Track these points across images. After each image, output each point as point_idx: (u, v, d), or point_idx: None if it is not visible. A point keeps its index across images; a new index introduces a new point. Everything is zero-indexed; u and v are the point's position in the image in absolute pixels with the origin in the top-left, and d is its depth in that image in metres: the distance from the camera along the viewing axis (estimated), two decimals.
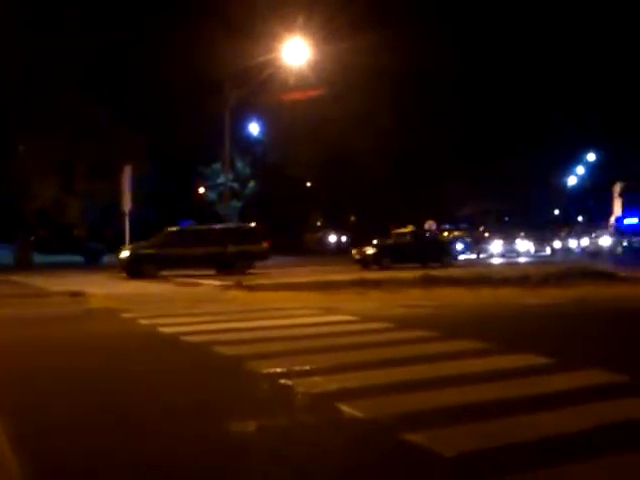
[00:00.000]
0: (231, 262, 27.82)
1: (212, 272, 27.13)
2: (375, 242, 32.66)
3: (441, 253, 32.40)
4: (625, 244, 38.41)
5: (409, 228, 35.04)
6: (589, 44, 52.71)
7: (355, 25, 37.77)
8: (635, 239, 38.57)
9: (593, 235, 44.28)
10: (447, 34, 46.03)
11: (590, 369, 7.32)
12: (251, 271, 27.67)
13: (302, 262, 33.58)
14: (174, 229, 28.80)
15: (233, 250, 28.02)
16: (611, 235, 40.77)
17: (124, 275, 26.61)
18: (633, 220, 47.78)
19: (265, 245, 29.50)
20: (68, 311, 14.29)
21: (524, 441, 4.97)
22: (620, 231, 40.76)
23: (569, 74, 54.28)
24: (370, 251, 31.50)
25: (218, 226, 31.37)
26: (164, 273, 26.30)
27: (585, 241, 45.25)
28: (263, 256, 29.49)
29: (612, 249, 38.89)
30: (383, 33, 39.83)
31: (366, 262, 30.87)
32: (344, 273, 24.04)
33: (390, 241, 33.69)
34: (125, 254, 27.33)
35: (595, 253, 40.20)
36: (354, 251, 32.99)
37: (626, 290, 16.59)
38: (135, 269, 26.48)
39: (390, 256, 31.19)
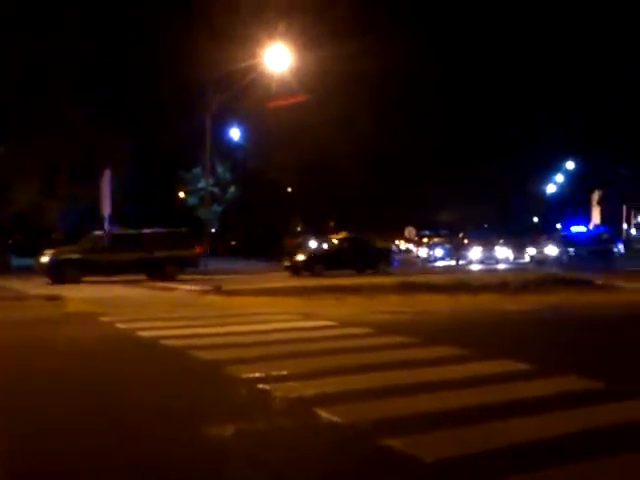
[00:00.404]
0: (161, 268, 26.91)
1: (143, 278, 26.65)
2: (311, 248, 31.83)
3: (377, 260, 31.22)
4: (572, 252, 38.09)
5: (343, 234, 34.12)
6: (571, 53, 53.25)
7: (336, 31, 37.91)
8: (582, 247, 38.15)
9: (541, 243, 44.20)
10: (428, 38, 46.42)
11: (567, 375, 7.37)
12: (183, 277, 26.92)
13: (279, 268, 33.43)
14: (100, 233, 26.49)
15: (162, 255, 27.04)
16: (557, 244, 40.30)
17: (48, 281, 24.99)
18: (580, 228, 47.73)
19: (196, 250, 28.66)
20: (45, 315, 14.18)
21: (502, 447, 4.99)
22: (566, 240, 40.43)
23: (551, 81, 54.78)
24: (301, 257, 30.55)
25: (147, 231, 29.59)
26: (91, 279, 25.31)
27: (532, 250, 45.25)
28: (193, 262, 28.48)
29: (558, 258, 38.58)
30: (364, 38, 39.97)
31: (296, 269, 29.92)
32: (273, 281, 23.80)
33: (325, 247, 32.82)
34: (45, 259, 26.08)
35: (541, 261, 40.27)
36: (286, 258, 31.79)
37: (602, 297, 16.72)
38: (57, 275, 25.00)
39: (323, 262, 29.97)
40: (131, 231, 29.69)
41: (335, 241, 32.93)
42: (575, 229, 46.81)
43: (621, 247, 41.01)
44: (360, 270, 29.56)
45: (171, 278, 25.81)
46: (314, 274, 28.42)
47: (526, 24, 52.52)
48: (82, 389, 7.14)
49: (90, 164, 33.52)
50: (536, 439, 5.16)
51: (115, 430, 5.63)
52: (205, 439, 5.36)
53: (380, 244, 34.10)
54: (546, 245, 41.63)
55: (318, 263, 29.81)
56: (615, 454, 4.85)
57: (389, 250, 33.88)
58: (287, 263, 31.01)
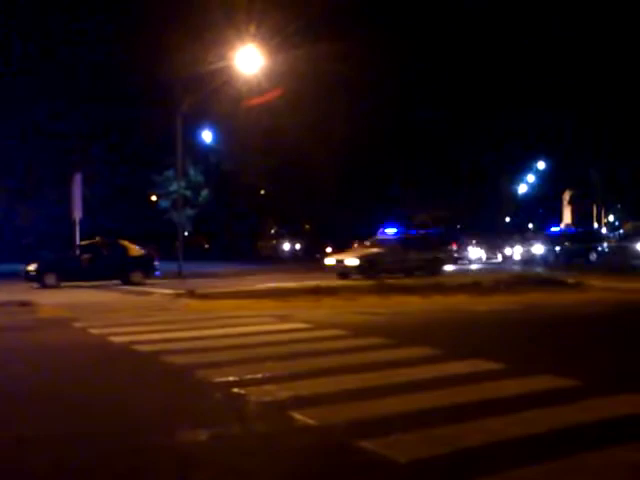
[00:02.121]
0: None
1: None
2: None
3: (128, 269, 26.62)
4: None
5: (97, 239, 28.58)
6: (542, 52, 53.62)
7: (308, 33, 37.96)
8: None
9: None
10: (402, 39, 46.41)
11: (539, 374, 7.44)
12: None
13: (254, 270, 33.38)
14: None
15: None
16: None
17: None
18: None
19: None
20: (17, 321, 14.02)
21: (475, 446, 5.03)
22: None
23: (522, 81, 55.14)
24: (32, 267, 26.01)
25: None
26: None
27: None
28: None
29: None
30: (337, 40, 40.11)
31: (30, 278, 25.77)
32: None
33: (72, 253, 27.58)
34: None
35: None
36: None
37: (575, 296, 16.90)
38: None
39: (57, 272, 25.69)
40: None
41: (83, 247, 27.60)
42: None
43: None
44: (106, 279, 26.27)
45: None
46: (45, 286, 24.79)
47: (498, 24, 52.86)
48: (50, 396, 7.07)
49: (60, 168, 33.27)
50: (508, 438, 5.21)
51: (83, 437, 5.58)
52: (177, 445, 5.34)
53: (135, 252, 28.95)
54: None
55: (49, 272, 25.64)
56: (588, 452, 4.90)
57: (149, 258, 27.67)
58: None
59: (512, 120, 57.10)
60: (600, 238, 43.63)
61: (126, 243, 27.61)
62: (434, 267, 29.30)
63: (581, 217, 63.12)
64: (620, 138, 54.88)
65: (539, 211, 72.71)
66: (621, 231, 54.74)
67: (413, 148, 55.58)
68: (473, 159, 58.46)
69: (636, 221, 48.00)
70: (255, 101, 39.61)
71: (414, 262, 29.17)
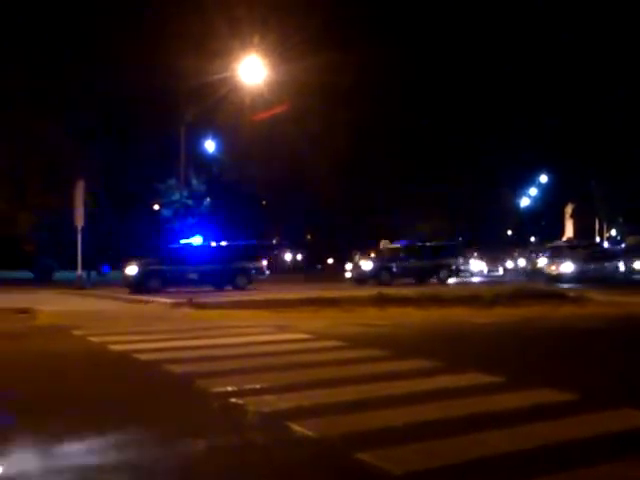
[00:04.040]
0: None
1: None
2: None
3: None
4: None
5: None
6: (546, 65, 53.73)
7: (311, 44, 38.07)
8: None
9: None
10: (404, 51, 46.56)
11: (537, 388, 7.43)
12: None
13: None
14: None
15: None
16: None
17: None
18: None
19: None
20: (16, 328, 14.01)
21: (471, 459, 5.02)
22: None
23: (525, 95, 55.26)
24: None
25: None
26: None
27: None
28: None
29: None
30: (338, 52, 40.23)
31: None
32: None
33: None
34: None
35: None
36: None
37: (574, 310, 16.89)
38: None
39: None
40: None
41: None
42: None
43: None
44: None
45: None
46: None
47: (501, 36, 53.03)
48: (41, 406, 7.07)
49: (62, 176, 33.33)
50: (505, 452, 5.20)
51: (77, 446, 5.58)
52: (175, 455, 5.34)
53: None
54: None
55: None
56: (586, 467, 4.90)
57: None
58: None
59: (515, 133, 57.20)
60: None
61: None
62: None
63: (583, 231, 63.07)
64: (623, 151, 54.91)
65: (542, 224, 72.69)
66: (623, 245, 54.65)
67: (415, 159, 55.63)
68: (475, 172, 58.49)
69: (638, 235, 47.87)
70: (260, 115, 39.75)
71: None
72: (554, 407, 6.64)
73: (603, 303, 18.64)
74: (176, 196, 44.40)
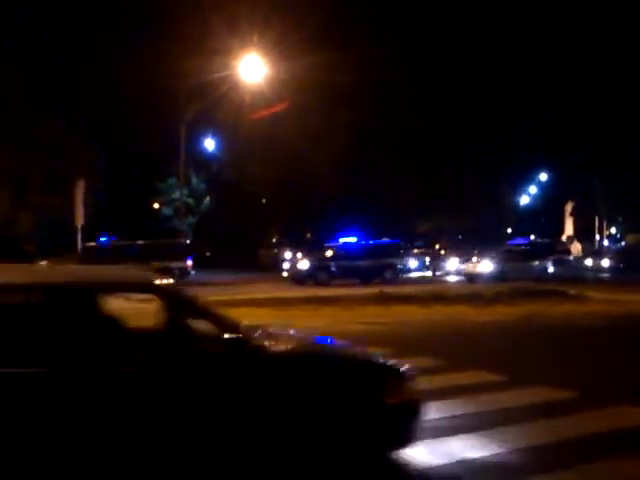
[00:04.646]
0: None
1: None
2: None
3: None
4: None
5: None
6: (545, 63, 53.74)
7: (311, 42, 38.02)
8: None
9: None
10: (405, 49, 46.48)
11: (538, 386, 7.43)
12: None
13: (255, 279, 33.35)
14: None
15: None
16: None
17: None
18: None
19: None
20: None
21: (475, 458, 5.02)
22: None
23: (525, 93, 55.24)
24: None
25: None
26: None
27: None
28: None
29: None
30: (339, 50, 40.14)
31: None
32: None
33: None
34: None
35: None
36: None
37: (575, 308, 16.87)
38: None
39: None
40: None
41: None
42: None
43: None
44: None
45: None
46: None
47: (502, 35, 53.02)
48: None
49: (62, 175, 33.33)
50: (507, 450, 5.20)
51: None
52: None
53: None
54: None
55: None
56: (588, 464, 4.90)
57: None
58: None
59: (515, 130, 57.20)
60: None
61: None
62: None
63: (583, 229, 63.00)
64: (624, 149, 54.92)
65: (541, 222, 72.58)
66: (623, 243, 54.69)
67: (415, 158, 55.56)
68: (475, 169, 58.44)
69: (637, 234, 47.88)
70: (260, 113, 39.69)
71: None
72: (556, 405, 6.64)
73: (604, 301, 18.62)
74: (176, 195, 44.39)
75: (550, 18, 52.40)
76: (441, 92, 54.04)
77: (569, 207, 64.75)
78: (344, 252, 31.64)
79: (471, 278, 31.45)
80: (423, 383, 7.63)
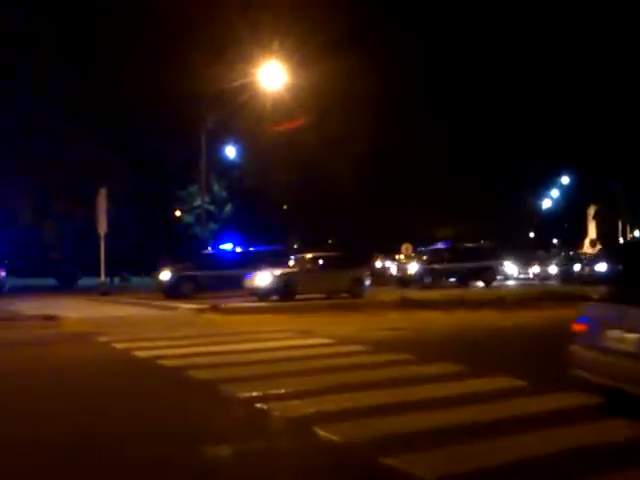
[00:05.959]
0: None
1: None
2: None
3: None
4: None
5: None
6: (566, 67, 53.37)
7: (331, 49, 38.06)
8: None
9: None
10: (425, 55, 46.52)
11: (561, 392, 7.36)
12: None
13: None
14: None
15: None
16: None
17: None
18: None
19: None
20: (43, 335, 14.12)
21: (498, 464, 5.00)
22: None
23: (546, 96, 54.92)
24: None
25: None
26: None
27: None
28: None
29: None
30: (359, 56, 40.21)
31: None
32: None
33: None
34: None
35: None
36: None
37: None
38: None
39: None
40: None
41: None
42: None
43: None
44: None
45: None
46: None
47: (522, 40, 52.77)
48: (76, 410, 7.13)
49: (86, 184, 33.58)
50: (534, 456, 5.17)
51: (110, 452, 5.62)
52: (201, 459, 5.36)
53: None
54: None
55: None
56: (610, 473, 4.86)
57: None
58: None
59: (536, 134, 56.89)
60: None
61: None
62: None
63: (606, 232, 62.45)
64: None
65: (564, 225, 72.06)
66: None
67: (437, 164, 55.43)
68: (495, 174, 58.17)
69: None
70: (280, 127, 39.89)
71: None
72: (578, 411, 6.59)
73: None
74: (198, 202, 44.61)
75: (575, 18, 52.02)
76: (462, 97, 53.93)
77: (592, 211, 64.26)
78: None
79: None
80: (445, 389, 7.65)
